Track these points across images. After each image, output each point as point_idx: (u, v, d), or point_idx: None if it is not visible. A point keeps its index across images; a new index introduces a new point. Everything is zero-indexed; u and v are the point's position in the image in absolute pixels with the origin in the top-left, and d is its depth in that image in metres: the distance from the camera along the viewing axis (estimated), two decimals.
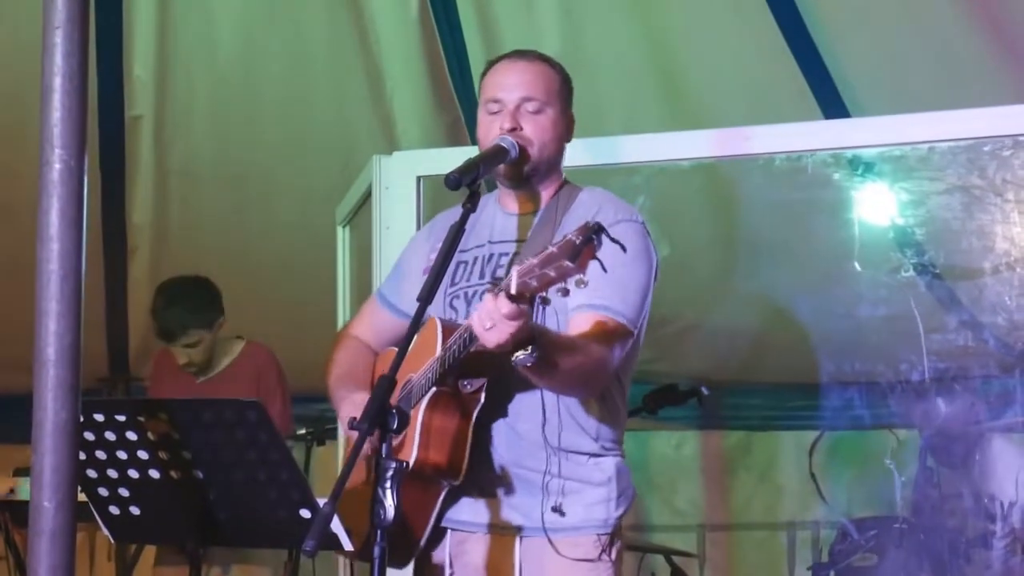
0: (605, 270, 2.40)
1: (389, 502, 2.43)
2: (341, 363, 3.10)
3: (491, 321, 2.46)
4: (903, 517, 5.25)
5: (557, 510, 2.82)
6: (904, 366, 5.25)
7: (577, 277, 2.36)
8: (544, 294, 2.40)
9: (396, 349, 2.79)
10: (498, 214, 3.00)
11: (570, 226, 2.81)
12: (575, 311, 2.79)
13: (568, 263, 2.34)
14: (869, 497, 6.05)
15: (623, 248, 2.43)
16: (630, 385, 3.02)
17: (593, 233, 2.34)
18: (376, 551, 2.46)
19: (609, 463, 2.89)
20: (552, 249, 2.37)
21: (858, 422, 5.84)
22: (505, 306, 2.43)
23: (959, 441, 5.26)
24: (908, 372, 5.24)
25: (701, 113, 5.85)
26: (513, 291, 2.41)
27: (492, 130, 2.90)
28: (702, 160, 4.50)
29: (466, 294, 2.94)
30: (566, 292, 2.40)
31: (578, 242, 2.33)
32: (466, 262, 2.97)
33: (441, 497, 2.84)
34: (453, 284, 2.97)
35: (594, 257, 2.36)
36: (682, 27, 5.83)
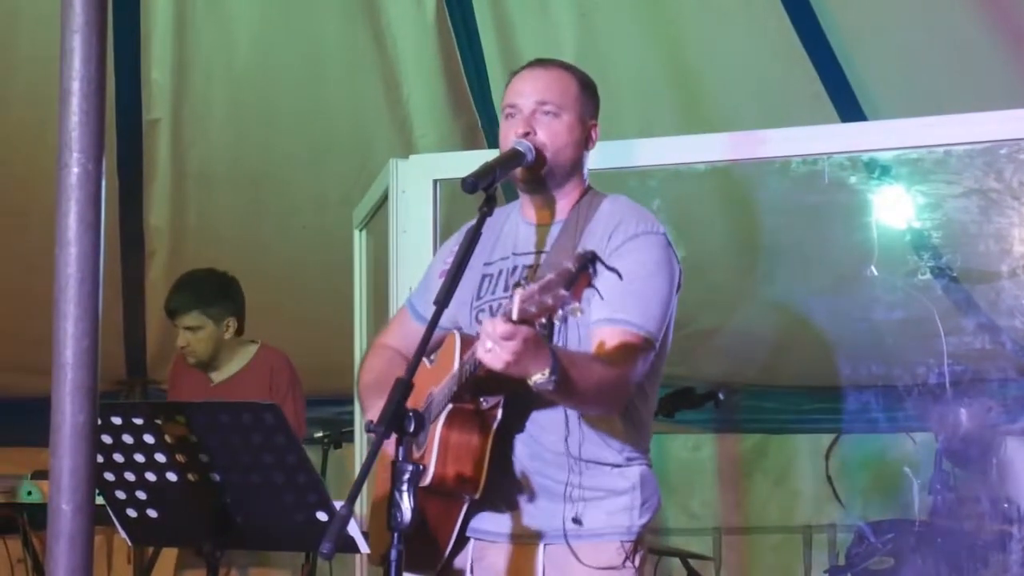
0: (602, 297, 2.43)
1: (406, 505, 2.43)
2: (372, 370, 3.10)
3: (490, 342, 2.46)
4: (920, 520, 5.24)
5: (577, 520, 2.81)
6: (921, 369, 5.24)
7: (573, 306, 2.38)
8: (544, 320, 2.42)
9: (426, 360, 2.79)
10: (521, 224, 3.00)
11: (591, 238, 2.84)
12: (595, 325, 2.78)
13: (563, 291, 2.36)
14: (886, 500, 6.04)
15: (619, 276, 2.45)
16: (657, 395, 3.02)
17: (588, 262, 2.36)
18: (393, 554, 2.45)
19: (634, 471, 2.88)
20: (551, 276, 2.38)
21: (874, 425, 5.83)
22: (500, 327, 2.43)
23: (976, 444, 5.25)
24: (925, 375, 5.23)
25: (716, 116, 5.85)
26: (515, 317, 2.42)
27: (509, 135, 2.91)
28: (718, 163, 4.49)
29: (491, 307, 2.93)
30: (564, 319, 2.42)
31: (574, 270, 2.35)
32: (491, 275, 2.97)
33: (464, 509, 2.84)
34: (479, 298, 2.97)
35: (590, 285, 2.37)
36: (697, 30, 5.82)
